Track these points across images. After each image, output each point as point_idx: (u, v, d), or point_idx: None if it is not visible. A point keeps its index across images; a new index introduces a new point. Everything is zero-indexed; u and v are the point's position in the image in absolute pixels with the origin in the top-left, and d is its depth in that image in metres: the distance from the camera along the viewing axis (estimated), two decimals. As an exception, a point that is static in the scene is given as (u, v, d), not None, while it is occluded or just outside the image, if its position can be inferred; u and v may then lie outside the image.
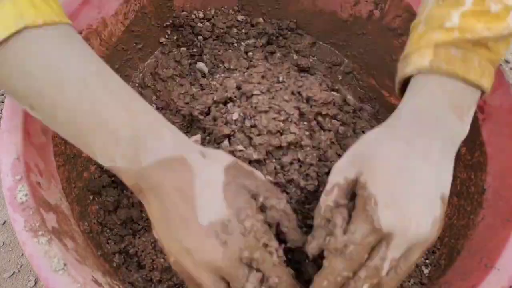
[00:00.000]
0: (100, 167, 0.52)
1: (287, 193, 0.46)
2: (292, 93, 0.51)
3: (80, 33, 0.49)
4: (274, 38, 0.66)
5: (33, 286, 0.66)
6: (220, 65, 0.61)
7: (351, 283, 0.32)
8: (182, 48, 0.64)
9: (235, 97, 0.50)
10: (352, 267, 0.32)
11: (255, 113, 0.47)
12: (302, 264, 0.40)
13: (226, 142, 0.47)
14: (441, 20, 0.34)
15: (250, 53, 0.63)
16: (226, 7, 0.66)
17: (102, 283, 0.38)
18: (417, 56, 0.35)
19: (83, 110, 0.32)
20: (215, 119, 0.50)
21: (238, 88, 0.52)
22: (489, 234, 0.42)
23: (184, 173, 0.33)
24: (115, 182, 0.52)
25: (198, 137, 0.49)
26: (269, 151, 0.47)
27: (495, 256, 0.39)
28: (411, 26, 0.40)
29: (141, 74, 0.62)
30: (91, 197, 0.50)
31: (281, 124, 0.47)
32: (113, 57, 0.56)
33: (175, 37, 0.64)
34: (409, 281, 0.49)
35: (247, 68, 0.58)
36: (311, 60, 0.66)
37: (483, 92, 0.36)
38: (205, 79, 0.59)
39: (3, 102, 0.80)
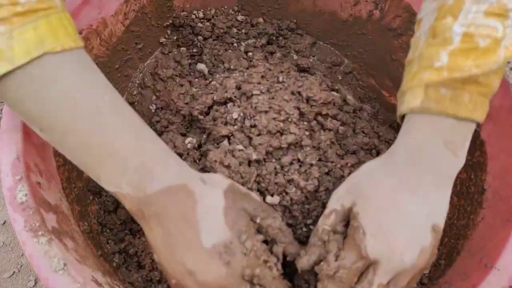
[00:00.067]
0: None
1: (287, 193, 0.46)
2: (292, 93, 0.51)
3: (80, 33, 0.49)
4: (274, 38, 0.66)
5: (33, 286, 0.66)
6: (220, 65, 0.61)
7: None
8: (182, 48, 0.64)
9: (235, 97, 0.50)
10: None
11: (255, 113, 0.47)
12: (295, 277, 0.42)
13: (225, 142, 0.47)
14: (431, 60, 0.35)
15: (250, 53, 0.63)
16: (226, 7, 0.66)
17: (102, 283, 0.38)
18: (410, 96, 0.36)
19: (95, 138, 0.33)
20: (214, 119, 0.50)
21: (238, 88, 0.52)
22: (489, 234, 0.42)
23: (187, 200, 0.35)
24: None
25: (192, 140, 0.50)
26: (269, 151, 0.47)
27: (495, 256, 0.39)
28: (405, 61, 0.40)
29: (141, 74, 0.62)
30: (91, 197, 0.50)
31: (281, 124, 0.47)
32: (113, 57, 0.56)
33: (175, 37, 0.64)
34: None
35: (247, 68, 0.58)
36: (311, 60, 0.66)
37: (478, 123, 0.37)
38: (205, 79, 0.59)
39: (3, 102, 0.80)
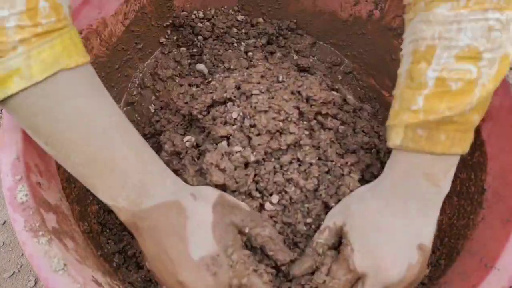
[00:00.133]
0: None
1: (286, 192, 0.46)
2: (292, 92, 0.51)
3: (80, 33, 0.49)
4: (274, 38, 0.66)
5: (33, 286, 0.66)
6: (220, 65, 0.61)
7: None
8: (182, 48, 0.64)
9: (235, 97, 0.50)
10: None
11: (254, 113, 0.47)
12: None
13: (224, 143, 0.47)
14: (409, 102, 0.37)
15: (250, 53, 0.63)
16: (226, 7, 0.66)
17: (102, 283, 0.38)
18: (393, 134, 0.39)
19: (100, 155, 0.35)
20: (214, 118, 0.50)
21: (238, 87, 0.52)
22: (489, 234, 0.42)
23: (179, 216, 0.38)
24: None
25: (191, 138, 0.50)
26: (268, 152, 0.47)
27: (495, 256, 0.39)
28: (393, 93, 0.41)
29: (140, 74, 0.62)
30: (91, 197, 0.50)
31: (281, 124, 0.47)
32: (113, 57, 0.56)
33: (175, 37, 0.64)
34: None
35: (247, 68, 0.58)
36: (311, 60, 0.66)
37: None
38: (205, 79, 0.59)
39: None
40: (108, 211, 0.51)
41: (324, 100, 0.51)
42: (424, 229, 0.40)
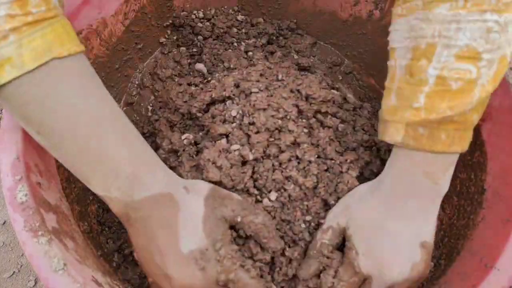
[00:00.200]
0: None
1: (285, 190, 0.46)
2: (291, 91, 0.51)
3: (80, 33, 0.49)
4: (274, 38, 0.66)
5: (33, 286, 0.66)
6: (220, 64, 0.61)
7: None
8: (182, 48, 0.64)
9: (234, 95, 0.50)
10: None
11: (253, 111, 0.47)
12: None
13: (223, 141, 0.47)
14: (410, 99, 0.38)
15: (250, 53, 0.63)
16: (226, 7, 0.66)
17: (102, 283, 0.38)
18: (393, 130, 0.39)
19: (92, 145, 0.35)
20: (213, 116, 0.50)
21: (237, 86, 0.52)
22: (489, 234, 0.42)
23: (171, 208, 0.38)
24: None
25: (189, 136, 0.50)
26: (266, 150, 0.47)
27: (495, 256, 0.39)
28: (385, 84, 0.42)
29: (140, 75, 0.61)
30: (91, 197, 0.50)
31: (279, 122, 0.47)
32: (113, 57, 0.56)
33: (175, 37, 0.64)
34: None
35: (247, 67, 0.58)
36: (311, 60, 0.66)
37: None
38: (204, 79, 0.59)
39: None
40: (107, 209, 0.51)
41: (323, 98, 0.51)
42: (425, 227, 0.40)
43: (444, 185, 0.40)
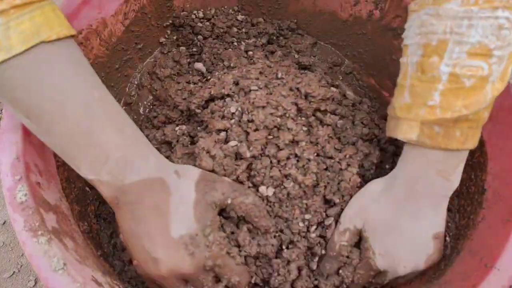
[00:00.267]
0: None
1: (284, 187, 0.46)
2: (291, 89, 0.51)
3: (80, 33, 0.49)
4: (274, 38, 0.66)
5: (33, 286, 0.66)
6: (220, 63, 0.61)
7: None
8: (182, 48, 0.64)
9: (233, 92, 0.50)
10: None
11: (252, 108, 0.47)
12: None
13: (221, 133, 0.47)
14: (424, 97, 0.38)
15: (251, 52, 0.63)
16: (226, 7, 0.66)
17: (102, 283, 0.38)
18: (406, 127, 0.39)
19: (82, 128, 0.35)
20: (212, 112, 0.50)
21: (236, 83, 0.52)
22: (489, 234, 0.42)
23: (162, 192, 0.38)
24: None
25: (182, 127, 0.50)
26: (265, 147, 0.47)
27: (495, 256, 0.39)
28: (397, 81, 0.42)
29: (139, 75, 0.61)
30: (90, 197, 0.50)
31: (278, 120, 0.47)
32: (113, 57, 0.56)
33: (175, 37, 0.64)
34: (410, 282, 0.49)
35: (246, 66, 0.58)
36: (312, 59, 0.66)
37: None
38: (203, 77, 0.59)
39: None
40: (104, 202, 0.51)
41: (323, 96, 0.51)
42: (437, 220, 0.42)
43: (455, 181, 0.41)
